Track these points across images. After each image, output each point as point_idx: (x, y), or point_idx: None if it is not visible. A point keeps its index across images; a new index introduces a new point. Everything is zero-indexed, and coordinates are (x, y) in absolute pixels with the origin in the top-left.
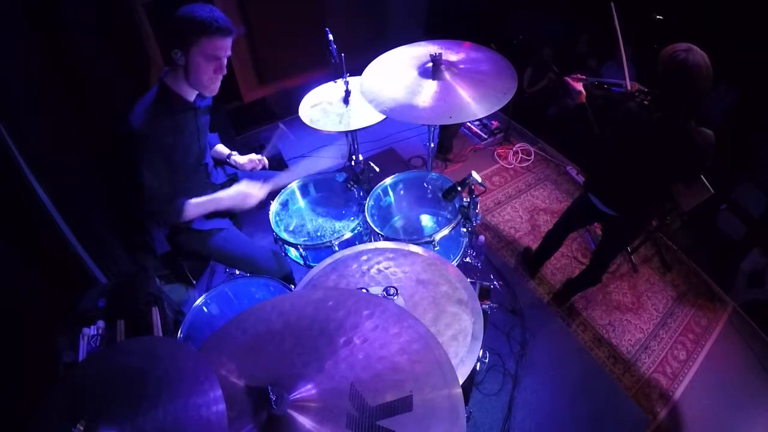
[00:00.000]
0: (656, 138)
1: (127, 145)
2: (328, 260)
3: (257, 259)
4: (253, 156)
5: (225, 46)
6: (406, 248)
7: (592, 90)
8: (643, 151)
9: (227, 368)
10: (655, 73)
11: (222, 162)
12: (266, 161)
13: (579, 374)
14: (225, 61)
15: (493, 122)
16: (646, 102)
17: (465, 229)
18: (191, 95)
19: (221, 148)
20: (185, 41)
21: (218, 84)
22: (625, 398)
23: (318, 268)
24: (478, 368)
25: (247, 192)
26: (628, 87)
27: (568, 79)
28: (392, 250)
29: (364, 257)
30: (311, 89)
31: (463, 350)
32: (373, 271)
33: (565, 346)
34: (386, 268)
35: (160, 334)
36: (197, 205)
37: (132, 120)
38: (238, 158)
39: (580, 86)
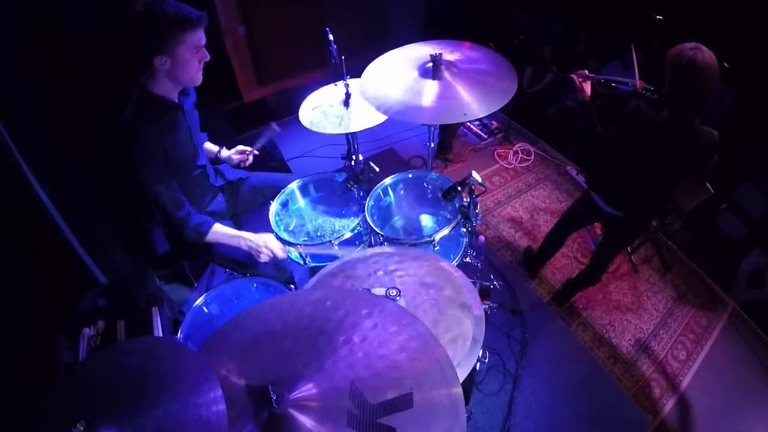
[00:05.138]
0: (662, 136)
1: (127, 165)
2: (337, 263)
3: (257, 262)
4: (240, 147)
5: (203, 35)
6: (414, 252)
7: (598, 88)
8: (649, 149)
9: (227, 368)
10: (662, 72)
11: (213, 161)
12: (256, 152)
13: (579, 374)
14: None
15: (492, 122)
16: (654, 98)
17: (465, 229)
18: (174, 95)
19: (210, 146)
20: (169, 44)
21: (201, 73)
22: (625, 398)
23: (326, 269)
24: (478, 368)
25: (269, 245)
26: (637, 85)
27: (574, 77)
28: (400, 254)
29: (373, 260)
30: (311, 90)
31: (462, 354)
32: (379, 273)
33: (565, 346)
34: (393, 271)
35: (160, 334)
36: (222, 235)
37: (125, 139)
38: (225, 152)
39: (588, 86)
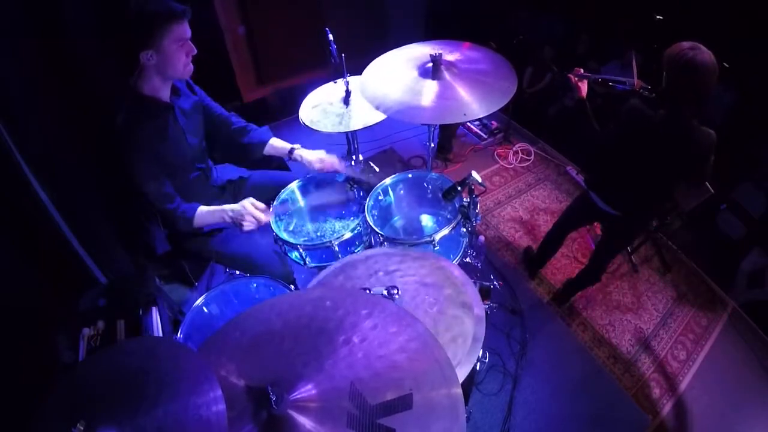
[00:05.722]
0: (660, 135)
1: (122, 162)
2: (337, 263)
3: (257, 259)
4: (323, 155)
5: (188, 28)
6: (415, 254)
7: (596, 87)
8: (647, 148)
9: (227, 368)
10: (661, 72)
11: (278, 158)
12: (339, 167)
13: (579, 374)
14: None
15: (492, 122)
16: (651, 96)
17: (465, 229)
18: (165, 94)
19: (279, 143)
20: (154, 38)
21: (191, 65)
22: (625, 398)
23: (327, 270)
24: (478, 368)
25: (247, 208)
26: (635, 84)
27: (571, 76)
28: (401, 254)
29: (374, 260)
30: (311, 89)
31: (462, 353)
32: (380, 273)
33: (565, 346)
34: (393, 271)
35: (160, 334)
36: (205, 214)
37: (118, 140)
38: (304, 153)
39: (584, 85)
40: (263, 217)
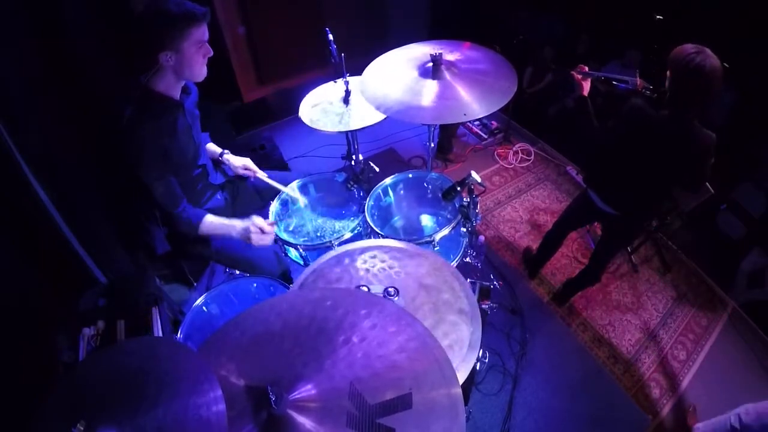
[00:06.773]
0: (661, 135)
1: (129, 161)
2: (333, 253)
3: (257, 259)
4: (249, 163)
5: (206, 30)
6: (413, 249)
7: (598, 85)
8: (647, 148)
9: (227, 368)
10: (663, 73)
11: (214, 162)
12: (261, 175)
13: (579, 374)
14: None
15: (492, 122)
16: (653, 96)
17: (465, 229)
18: (177, 91)
19: (212, 147)
20: (174, 40)
21: (206, 68)
22: (625, 398)
23: (322, 259)
24: (478, 368)
25: (256, 223)
26: (637, 83)
27: (575, 73)
28: (399, 250)
29: (371, 253)
30: (311, 89)
31: (458, 360)
32: (377, 268)
33: (565, 346)
34: (390, 267)
35: (160, 334)
36: (213, 225)
37: (126, 137)
38: (231, 158)
39: (587, 83)
40: (268, 229)
